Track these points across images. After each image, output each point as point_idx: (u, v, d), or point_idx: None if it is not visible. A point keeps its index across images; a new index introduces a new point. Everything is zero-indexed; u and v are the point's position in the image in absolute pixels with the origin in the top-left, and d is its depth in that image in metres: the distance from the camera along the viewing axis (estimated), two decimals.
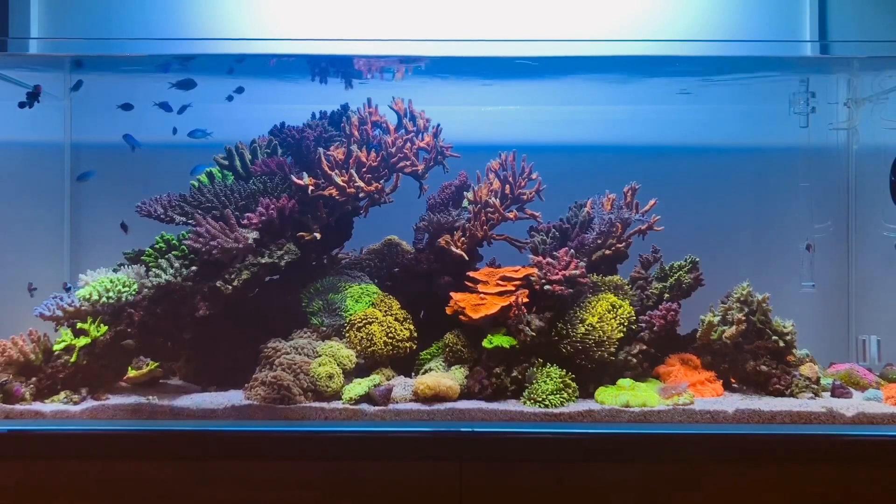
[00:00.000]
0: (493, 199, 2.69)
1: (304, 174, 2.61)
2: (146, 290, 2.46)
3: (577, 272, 2.49)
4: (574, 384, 2.37)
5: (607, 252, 2.68)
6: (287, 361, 2.36)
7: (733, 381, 2.55)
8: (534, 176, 2.72)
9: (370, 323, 2.52)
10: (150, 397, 2.37)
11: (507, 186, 2.71)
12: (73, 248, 3.12)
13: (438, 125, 2.77)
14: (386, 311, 2.58)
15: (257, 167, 2.70)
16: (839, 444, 2.18)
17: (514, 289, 2.49)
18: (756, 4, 3.12)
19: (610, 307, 2.51)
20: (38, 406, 2.31)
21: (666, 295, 2.65)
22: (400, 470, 2.12)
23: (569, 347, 2.45)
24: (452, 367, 2.47)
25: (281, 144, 2.77)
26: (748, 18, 3.12)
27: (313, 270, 2.75)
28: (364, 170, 2.64)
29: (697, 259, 2.68)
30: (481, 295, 2.49)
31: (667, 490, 2.12)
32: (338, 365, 2.40)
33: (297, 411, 2.28)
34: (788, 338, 2.48)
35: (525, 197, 2.73)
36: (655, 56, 2.84)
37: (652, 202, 2.70)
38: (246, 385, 2.36)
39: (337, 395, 2.36)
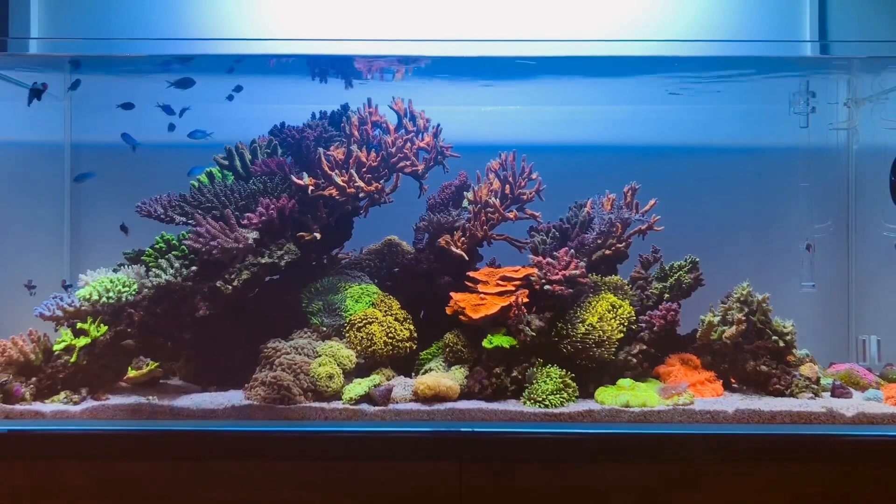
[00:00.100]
0: (493, 199, 2.69)
1: (304, 174, 2.61)
2: (146, 290, 2.46)
3: (577, 272, 2.49)
4: (574, 384, 2.37)
5: (607, 252, 2.68)
6: (287, 361, 2.36)
7: (733, 381, 2.55)
8: (534, 176, 2.72)
9: (370, 323, 2.52)
10: (150, 397, 2.37)
11: (507, 186, 2.71)
12: (73, 248, 3.12)
13: (438, 125, 2.77)
14: (386, 311, 2.58)
15: (257, 167, 2.70)
16: (839, 444, 2.18)
17: (514, 289, 2.49)
18: (756, 4, 3.12)
19: (610, 307, 2.51)
20: (38, 406, 2.31)
21: (666, 295, 2.65)
22: (400, 470, 2.12)
23: (569, 347, 2.45)
24: (452, 367, 2.47)
25: (281, 144, 2.77)
26: (748, 18, 3.12)
27: (313, 270, 2.75)
28: (364, 170, 2.64)
29: (697, 259, 2.68)
30: (481, 295, 2.49)
31: (667, 490, 2.12)
32: (338, 365, 2.40)
33: (297, 411, 2.28)
34: (788, 338, 2.48)
35: (525, 197, 2.73)
36: (655, 56, 2.84)
37: (652, 202, 2.70)
38: (246, 385, 2.36)
39: (337, 395, 2.36)
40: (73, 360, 2.39)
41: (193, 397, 2.41)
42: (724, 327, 2.49)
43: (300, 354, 2.41)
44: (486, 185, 2.70)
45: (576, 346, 2.44)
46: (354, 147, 2.66)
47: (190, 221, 2.54)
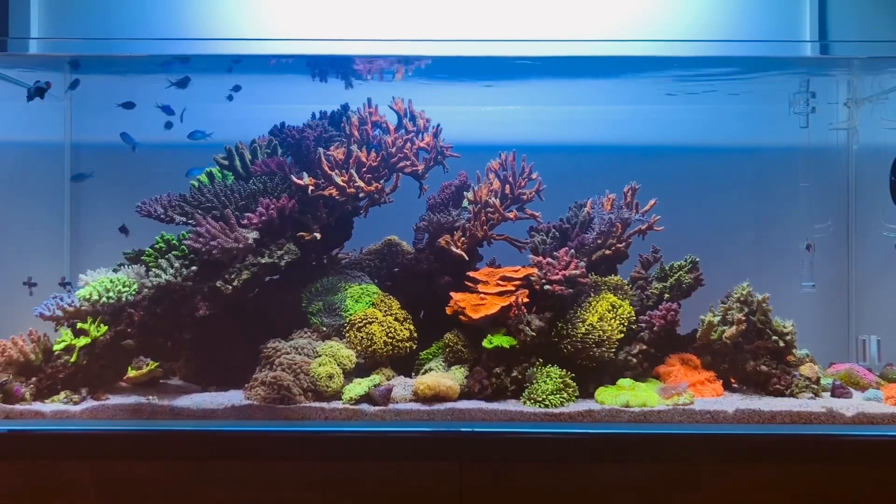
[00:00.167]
0: (493, 199, 2.69)
1: (304, 174, 2.61)
2: (146, 290, 2.46)
3: (577, 272, 2.49)
4: (574, 384, 2.37)
5: (607, 252, 2.68)
6: (287, 361, 2.36)
7: (733, 381, 2.55)
8: (534, 176, 2.72)
9: (370, 323, 2.52)
10: (150, 397, 2.37)
11: (507, 186, 2.71)
12: (73, 248, 3.12)
13: (438, 125, 2.77)
14: (386, 311, 2.58)
15: (257, 167, 2.70)
16: (839, 444, 2.18)
17: (514, 289, 2.49)
18: (756, 4, 3.12)
19: (610, 307, 2.51)
20: (38, 406, 2.31)
21: (666, 295, 2.65)
22: (400, 470, 2.12)
23: (569, 347, 2.45)
24: (452, 367, 2.47)
25: (281, 144, 2.77)
26: (748, 18, 3.12)
27: (313, 270, 2.76)
28: (364, 170, 2.64)
29: (697, 259, 2.68)
30: (481, 295, 2.49)
31: (667, 490, 2.12)
32: (338, 365, 2.40)
33: (297, 411, 2.28)
34: (788, 338, 2.48)
35: (525, 197, 2.73)
36: (655, 56, 2.84)
37: (652, 202, 2.70)
38: (246, 385, 2.36)
39: (337, 395, 2.36)
40: (73, 360, 2.39)
41: (193, 397, 2.41)
42: (724, 327, 2.49)
43: (300, 354, 2.41)
44: (486, 185, 2.70)
45: (576, 345, 2.44)
46: (354, 147, 2.66)
47: (190, 221, 2.54)
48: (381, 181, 2.69)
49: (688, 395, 2.33)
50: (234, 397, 2.37)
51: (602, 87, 3.14)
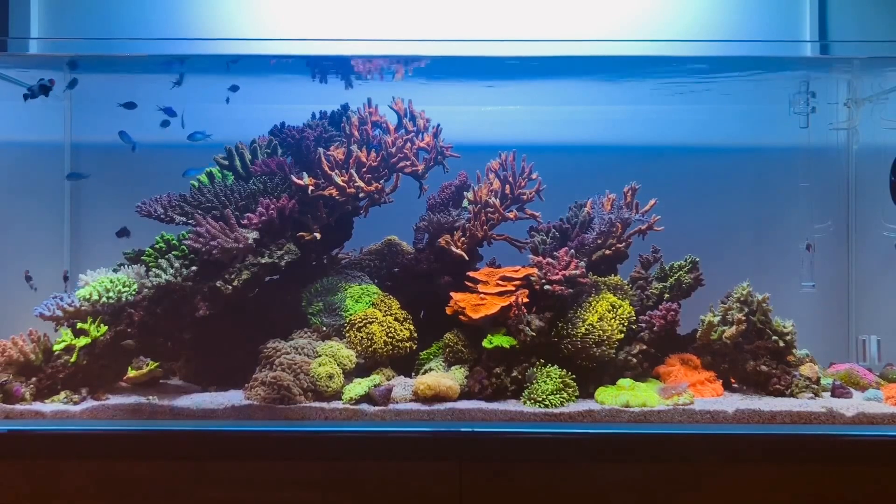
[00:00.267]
0: (493, 199, 2.69)
1: (304, 174, 2.61)
2: (146, 290, 2.46)
3: (577, 272, 2.49)
4: (574, 384, 2.37)
5: (607, 252, 2.68)
6: (287, 361, 2.36)
7: (733, 381, 2.55)
8: (534, 176, 2.72)
9: (370, 323, 2.52)
10: (150, 397, 2.38)
11: (507, 186, 2.71)
12: (73, 248, 3.12)
13: (438, 125, 2.77)
14: (386, 311, 2.58)
15: (257, 167, 2.70)
16: (839, 444, 2.18)
17: (514, 289, 2.49)
18: (756, 4, 3.12)
19: (610, 307, 2.51)
20: (38, 406, 2.31)
21: (666, 295, 2.65)
22: (400, 470, 2.12)
23: (569, 347, 2.45)
24: (452, 367, 2.47)
25: (281, 144, 2.77)
26: (748, 18, 3.12)
27: (313, 270, 2.75)
28: (364, 170, 2.64)
29: (697, 259, 2.68)
30: (481, 295, 2.49)
31: (667, 490, 2.12)
32: (338, 365, 2.40)
33: (297, 411, 2.28)
34: (788, 338, 2.48)
35: (525, 197, 2.73)
36: (655, 56, 2.84)
37: (652, 202, 2.70)
38: (246, 385, 2.36)
39: (337, 395, 2.36)
40: (73, 360, 2.39)
41: (193, 397, 2.41)
42: (724, 327, 2.49)
43: (300, 354, 2.41)
44: (486, 185, 2.70)
45: (576, 345, 2.44)
46: (354, 147, 2.66)
47: (190, 221, 2.54)
48: (381, 181, 2.69)
49: (688, 395, 2.33)
50: (234, 397, 2.37)
51: (602, 87, 3.14)
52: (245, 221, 2.51)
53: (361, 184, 2.62)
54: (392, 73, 2.85)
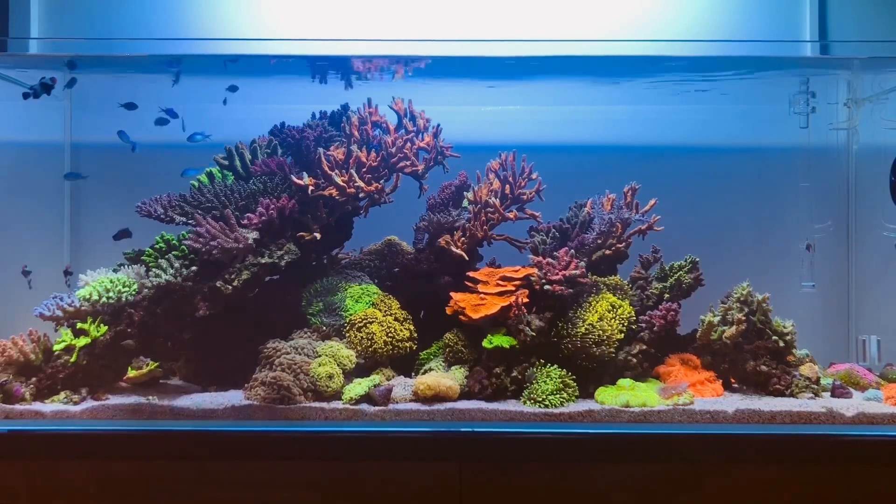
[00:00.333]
0: (493, 199, 2.69)
1: (304, 174, 2.61)
2: (146, 290, 2.46)
3: (577, 272, 2.49)
4: (574, 384, 2.37)
5: (607, 252, 2.68)
6: (287, 361, 2.36)
7: (733, 381, 2.55)
8: (534, 176, 2.72)
9: (370, 323, 2.52)
10: (150, 397, 2.38)
11: (507, 186, 2.71)
12: (73, 248, 3.12)
13: (438, 125, 2.77)
14: (386, 311, 2.58)
15: (257, 167, 2.70)
16: (839, 444, 2.18)
17: (514, 289, 2.49)
18: (756, 4, 3.12)
19: (610, 307, 2.51)
20: (38, 406, 2.31)
21: (666, 295, 2.65)
22: (400, 470, 2.12)
23: (569, 347, 2.45)
24: (452, 367, 2.47)
25: (281, 144, 2.77)
26: (748, 18, 3.12)
27: (313, 270, 2.75)
28: (364, 170, 2.64)
29: (697, 259, 2.69)
30: (481, 295, 2.49)
31: (667, 490, 2.12)
32: (338, 365, 2.40)
33: (297, 411, 2.28)
34: (788, 338, 2.48)
35: (525, 197, 2.73)
36: (655, 56, 2.84)
37: (652, 202, 2.70)
38: (246, 385, 2.36)
39: (337, 395, 2.36)
40: (73, 360, 2.39)
41: (193, 397, 2.41)
42: (724, 327, 2.49)
43: (300, 354, 2.41)
44: (486, 185, 2.70)
45: (576, 345, 2.44)
46: (354, 147, 2.66)
47: (190, 221, 2.54)
48: (381, 181, 2.69)
49: (688, 395, 2.33)
50: (234, 397, 2.37)
51: (602, 87, 3.14)
52: (245, 221, 2.51)
53: (361, 184, 2.62)
54: (392, 73, 2.85)
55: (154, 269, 2.48)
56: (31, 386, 2.36)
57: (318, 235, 2.61)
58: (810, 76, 2.97)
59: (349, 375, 2.44)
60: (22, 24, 3.04)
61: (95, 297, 2.41)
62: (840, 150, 3.07)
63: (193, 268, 2.47)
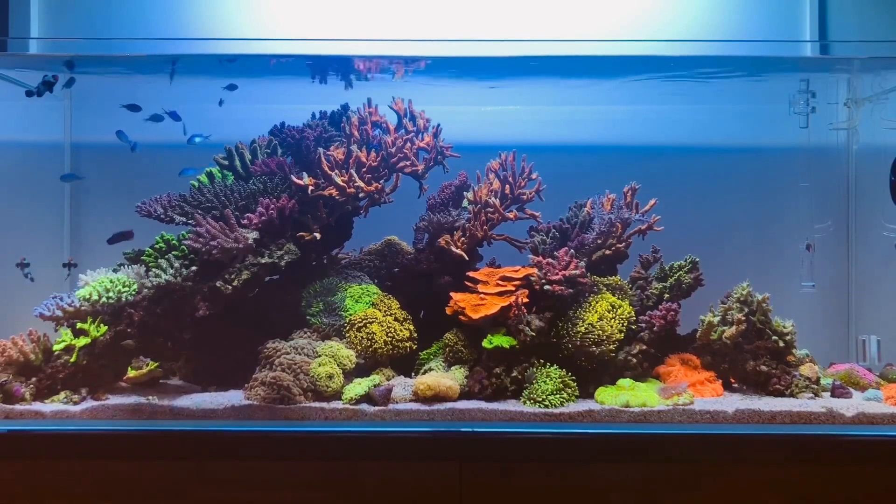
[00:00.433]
0: (493, 199, 2.69)
1: (304, 174, 2.61)
2: (146, 290, 2.46)
3: (577, 272, 2.49)
4: (574, 384, 2.37)
5: (607, 252, 2.68)
6: (287, 361, 2.36)
7: (733, 381, 2.55)
8: (534, 176, 2.72)
9: (370, 323, 2.52)
10: (150, 397, 2.38)
11: (507, 186, 2.71)
12: (73, 248, 3.12)
13: (438, 125, 2.77)
14: (386, 311, 2.58)
15: (257, 167, 2.70)
16: (839, 445, 2.18)
17: (514, 289, 2.49)
18: (756, 4, 3.12)
19: (610, 307, 2.51)
20: (38, 406, 2.31)
21: (666, 295, 2.65)
22: (400, 470, 2.12)
23: (569, 347, 2.45)
24: (452, 367, 2.47)
25: (281, 144, 2.77)
26: (748, 18, 3.12)
27: (313, 270, 2.75)
28: (364, 170, 2.64)
29: (697, 259, 2.69)
30: (481, 295, 2.49)
31: (667, 490, 2.12)
32: (338, 365, 2.40)
33: (296, 411, 2.28)
34: (788, 338, 2.48)
35: (525, 197, 2.73)
36: (655, 56, 2.84)
37: (652, 202, 2.70)
38: (246, 385, 2.36)
39: (337, 395, 2.36)
40: (73, 360, 2.39)
41: (193, 397, 2.41)
42: (724, 327, 2.49)
43: (300, 354, 2.41)
44: (486, 185, 2.70)
45: (576, 345, 2.44)
46: (354, 147, 2.66)
47: (190, 221, 2.54)
48: (381, 181, 2.69)
49: (688, 395, 2.33)
50: (234, 397, 2.37)
51: (602, 87, 3.14)
52: (245, 221, 2.51)
53: (361, 184, 2.62)
54: (392, 73, 2.85)
55: (154, 269, 2.48)
56: (31, 386, 2.36)
57: (318, 235, 2.61)
58: (810, 76, 2.96)
59: (349, 375, 2.44)
60: (22, 24, 3.04)
61: (95, 297, 2.41)
62: (840, 150, 3.07)
63: (193, 268, 2.47)
